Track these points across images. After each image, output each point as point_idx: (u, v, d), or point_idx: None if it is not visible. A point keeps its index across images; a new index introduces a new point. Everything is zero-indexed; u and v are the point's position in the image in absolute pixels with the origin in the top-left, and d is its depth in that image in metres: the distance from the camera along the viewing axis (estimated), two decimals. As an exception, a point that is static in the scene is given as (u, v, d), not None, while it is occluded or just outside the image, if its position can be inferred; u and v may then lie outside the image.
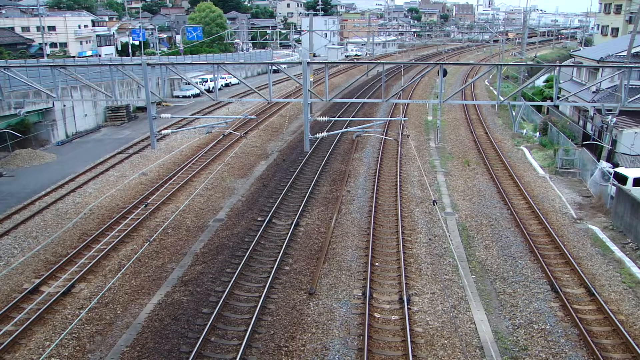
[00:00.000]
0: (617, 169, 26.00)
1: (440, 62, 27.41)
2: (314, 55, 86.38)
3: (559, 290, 17.34)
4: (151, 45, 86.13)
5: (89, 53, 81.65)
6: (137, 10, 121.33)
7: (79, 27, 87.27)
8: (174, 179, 29.07)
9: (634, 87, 32.06)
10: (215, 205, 25.78)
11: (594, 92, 35.39)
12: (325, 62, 19.58)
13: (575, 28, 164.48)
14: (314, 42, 65.29)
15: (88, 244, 21.04)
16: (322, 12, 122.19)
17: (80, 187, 27.75)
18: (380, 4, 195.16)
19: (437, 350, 14.64)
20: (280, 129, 42.21)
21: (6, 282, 18.35)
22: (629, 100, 18.36)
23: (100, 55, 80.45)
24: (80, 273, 18.63)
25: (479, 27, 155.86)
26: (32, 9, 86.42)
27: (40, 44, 71.28)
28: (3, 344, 14.63)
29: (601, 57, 37.40)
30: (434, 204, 19.45)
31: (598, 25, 79.21)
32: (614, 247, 20.99)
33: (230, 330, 15.47)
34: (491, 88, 66.93)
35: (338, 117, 42.40)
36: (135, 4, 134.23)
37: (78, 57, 71.86)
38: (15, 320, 15.35)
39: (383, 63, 19.87)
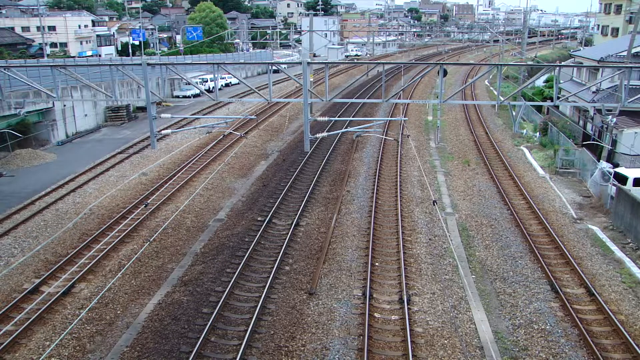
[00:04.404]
0: (617, 169, 25.99)
1: (441, 62, 27.40)
2: (314, 55, 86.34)
3: (559, 290, 17.34)
4: (151, 45, 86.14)
5: (89, 53, 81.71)
6: (137, 10, 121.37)
7: (79, 27, 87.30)
8: (174, 179, 29.07)
9: (634, 87, 32.05)
10: (215, 205, 25.79)
11: (594, 92, 35.38)
12: (325, 62, 19.60)
13: (576, 28, 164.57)
14: (314, 42, 65.30)
15: (88, 244, 21.04)
16: (322, 12, 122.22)
17: (80, 187, 27.76)
18: (381, 4, 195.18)
19: (437, 350, 14.64)
20: (280, 129, 42.22)
21: (6, 282, 18.35)
22: (629, 101, 18.37)
23: (100, 55, 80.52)
24: (81, 273, 18.63)
25: (479, 27, 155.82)
26: (32, 9, 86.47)
27: (40, 44, 71.30)
28: (3, 344, 14.63)
29: (601, 57, 37.39)
30: (434, 204, 19.46)
31: (598, 25, 79.20)
32: (614, 247, 20.99)
33: (230, 330, 15.47)
34: (491, 88, 66.94)
35: (338, 117, 42.42)
36: (135, 4, 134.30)
37: (78, 57, 71.91)
38: (15, 320, 15.34)
39: (383, 63, 19.88)
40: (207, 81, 56.86)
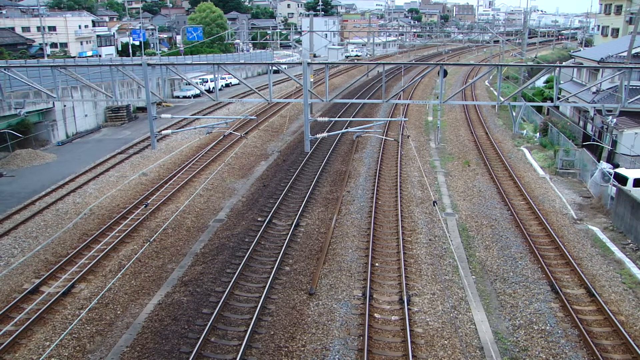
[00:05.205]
0: (618, 170, 25.99)
1: (441, 62, 27.40)
2: (314, 56, 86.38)
3: (559, 290, 17.34)
4: (151, 45, 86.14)
5: (90, 53, 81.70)
6: (137, 11, 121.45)
7: (80, 27, 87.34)
8: (174, 179, 29.07)
9: (634, 87, 32.07)
10: (215, 206, 25.79)
11: (594, 92, 35.38)
12: (325, 63, 19.60)
13: (576, 29, 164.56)
14: (314, 43, 65.29)
15: (88, 244, 21.04)
16: (323, 12, 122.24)
17: (80, 188, 27.75)
18: (381, 5, 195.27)
19: (437, 350, 14.64)
20: (281, 130, 42.22)
21: (6, 282, 18.35)
22: (629, 101, 18.38)
23: (100, 56, 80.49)
24: (81, 273, 18.63)
25: (480, 28, 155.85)
26: (33, 9, 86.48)
27: (40, 44, 71.32)
28: (3, 344, 14.63)
29: (601, 58, 37.40)
30: (434, 205, 19.45)
31: (598, 25, 79.26)
32: (614, 248, 20.99)
33: (230, 331, 15.47)
34: (491, 89, 66.95)
35: (338, 117, 42.41)
36: (136, 5, 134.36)
37: (78, 57, 71.87)
38: (15, 320, 15.34)
39: (383, 63, 19.87)
40: (207, 81, 56.85)
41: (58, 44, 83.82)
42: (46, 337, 15.32)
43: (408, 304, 16.57)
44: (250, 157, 34.36)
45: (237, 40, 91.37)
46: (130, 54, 76.88)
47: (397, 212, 24.08)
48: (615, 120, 28.67)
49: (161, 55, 67.60)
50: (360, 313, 16.26)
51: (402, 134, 37.98)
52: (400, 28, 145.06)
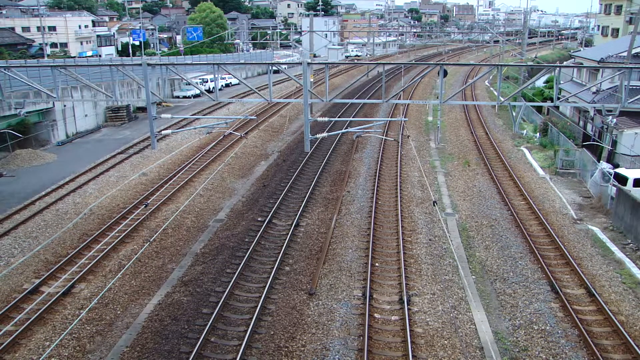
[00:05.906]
0: (618, 170, 25.99)
1: (441, 62, 27.40)
2: (315, 56, 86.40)
3: (559, 290, 17.34)
4: (151, 45, 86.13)
5: (90, 53, 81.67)
6: (137, 11, 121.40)
7: (80, 27, 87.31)
8: (174, 179, 29.07)
9: (634, 87, 32.06)
10: (215, 206, 25.79)
11: (594, 92, 35.38)
12: (325, 63, 19.60)
13: (576, 29, 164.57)
14: (314, 43, 65.33)
15: (88, 244, 21.04)
16: (323, 12, 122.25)
17: (80, 188, 27.76)
18: (381, 5, 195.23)
19: (437, 350, 14.64)
20: (281, 130, 42.22)
21: (6, 282, 18.35)
22: (629, 101, 18.38)
23: (100, 56, 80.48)
24: (81, 273, 18.63)
25: (480, 28, 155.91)
26: (33, 9, 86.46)
27: (40, 44, 71.31)
28: (3, 344, 14.62)
29: (601, 58, 37.40)
30: (434, 205, 19.44)
31: (598, 25, 79.24)
32: (614, 248, 20.99)
33: (230, 331, 15.47)
34: (491, 89, 66.95)
35: (338, 117, 42.41)
36: (136, 4, 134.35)
37: (78, 57, 71.83)
38: (15, 320, 15.34)
39: (383, 63, 19.87)
40: (207, 81, 56.82)
41: (58, 44, 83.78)
42: (46, 337, 15.32)
43: (408, 304, 16.58)
44: (250, 157, 34.36)
45: (237, 40, 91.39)
46: (130, 54, 76.84)
47: (397, 212, 24.08)
48: (615, 120, 28.68)
49: (161, 55, 67.61)
50: (360, 313, 16.26)
51: (402, 134, 37.98)
52: (400, 28, 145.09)
